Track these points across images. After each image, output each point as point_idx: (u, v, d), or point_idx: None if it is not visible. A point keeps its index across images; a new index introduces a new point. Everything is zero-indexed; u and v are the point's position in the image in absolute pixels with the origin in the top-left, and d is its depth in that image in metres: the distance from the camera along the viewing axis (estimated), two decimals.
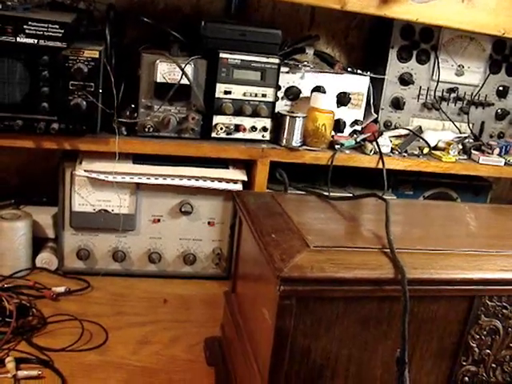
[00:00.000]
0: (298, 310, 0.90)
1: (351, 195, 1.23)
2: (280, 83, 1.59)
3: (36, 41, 1.27)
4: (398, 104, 1.81)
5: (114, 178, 1.47)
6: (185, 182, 1.52)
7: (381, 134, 1.73)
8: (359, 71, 1.72)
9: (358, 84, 1.69)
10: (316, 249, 0.95)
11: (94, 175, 1.47)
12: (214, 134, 1.53)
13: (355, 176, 1.72)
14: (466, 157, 1.82)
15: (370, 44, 1.92)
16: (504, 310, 1.04)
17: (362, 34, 1.92)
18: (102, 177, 1.47)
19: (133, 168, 1.50)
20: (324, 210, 1.19)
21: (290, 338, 0.91)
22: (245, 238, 1.18)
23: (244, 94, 1.53)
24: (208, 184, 1.54)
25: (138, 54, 1.47)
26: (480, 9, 1.62)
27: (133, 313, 1.43)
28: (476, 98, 1.88)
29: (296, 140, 1.59)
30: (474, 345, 1.05)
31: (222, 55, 1.48)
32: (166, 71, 1.44)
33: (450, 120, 1.87)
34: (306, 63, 1.66)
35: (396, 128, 1.82)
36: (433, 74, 1.82)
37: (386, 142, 1.71)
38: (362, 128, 1.73)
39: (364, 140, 1.68)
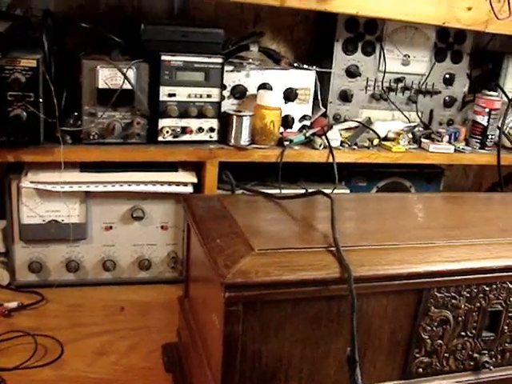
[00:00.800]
0: (245, 315, 0.90)
1: (297, 194, 1.22)
2: (225, 82, 1.57)
3: None
4: (346, 97, 1.81)
5: (62, 188, 1.45)
6: (134, 188, 1.50)
7: (331, 127, 1.73)
8: (305, 66, 1.71)
9: (304, 79, 1.68)
10: (261, 252, 0.94)
11: (40, 186, 1.44)
12: (160, 138, 1.51)
13: (308, 171, 1.72)
14: (416, 146, 1.84)
15: (315, 38, 1.91)
16: (453, 300, 1.05)
17: (308, 28, 1.91)
18: (49, 187, 1.44)
19: (80, 176, 1.47)
20: (271, 210, 1.18)
21: (239, 343, 0.91)
22: (193, 242, 1.17)
23: (189, 96, 1.51)
24: (158, 188, 1.52)
25: (78, 60, 1.44)
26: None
27: (89, 323, 1.40)
28: (423, 86, 1.89)
29: (244, 139, 1.59)
30: (426, 336, 1.06)
31: (163, 57, 1.46)
32: (108, 77, 1.42)
33: (399, 110, 1.88)
34: (250, 61, 1.65)
35: (345, 121, 1.82)
36: (379, 65, 1.83)
37: (335, 135, 1.71)
38: (311, 123, 1.72)
39: (313, 135, 1.68)
